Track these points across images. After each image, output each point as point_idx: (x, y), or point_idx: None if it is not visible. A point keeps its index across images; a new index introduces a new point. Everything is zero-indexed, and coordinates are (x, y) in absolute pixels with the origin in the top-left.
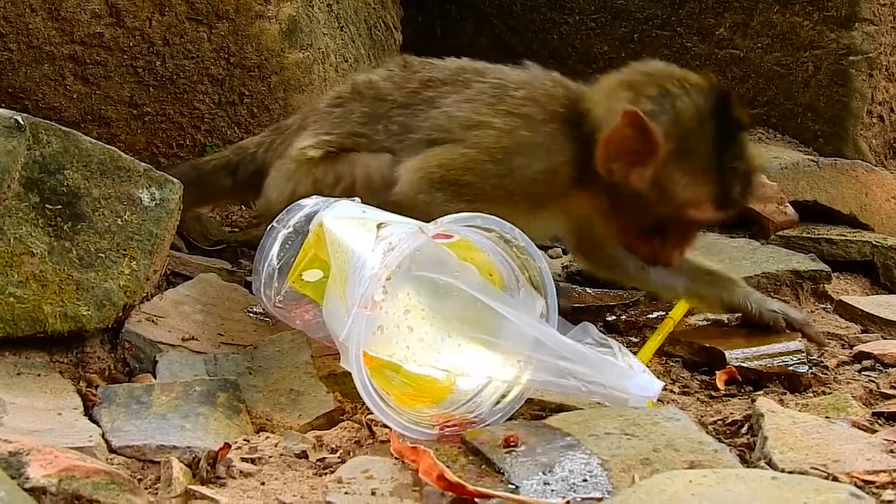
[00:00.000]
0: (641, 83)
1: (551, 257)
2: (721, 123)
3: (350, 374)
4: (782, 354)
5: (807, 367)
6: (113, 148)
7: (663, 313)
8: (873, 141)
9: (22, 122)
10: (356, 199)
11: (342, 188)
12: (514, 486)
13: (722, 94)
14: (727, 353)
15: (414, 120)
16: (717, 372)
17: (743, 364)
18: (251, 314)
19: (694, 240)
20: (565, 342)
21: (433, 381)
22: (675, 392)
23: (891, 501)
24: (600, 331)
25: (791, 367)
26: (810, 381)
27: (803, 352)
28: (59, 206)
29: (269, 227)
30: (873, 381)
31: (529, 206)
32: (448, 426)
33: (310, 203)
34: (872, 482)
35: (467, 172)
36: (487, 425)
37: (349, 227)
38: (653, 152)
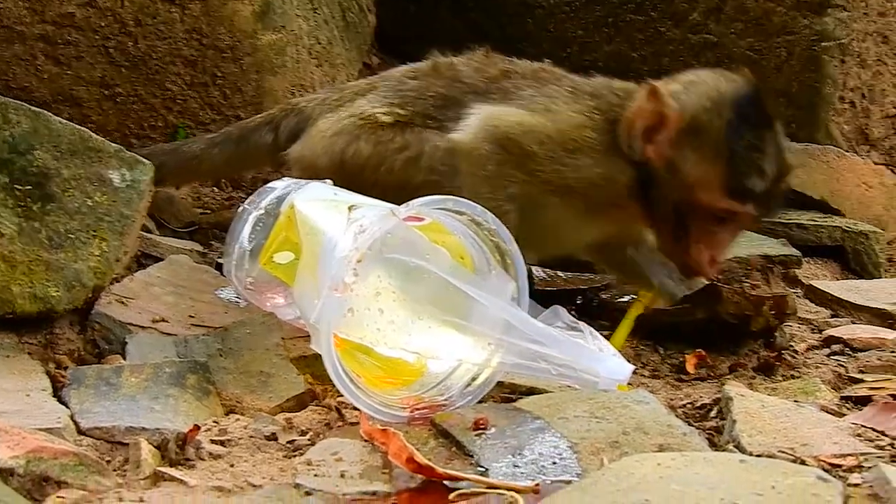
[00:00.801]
0: (682, 75)
1: None
2: (743, 113)
3: (320, 356)
4: None
5: None
6: (84, 128)
7: (634, 296)
8: (845, 127)
9: None
10: (328, 180)
11: (406, 157)
12: (483, 469)
13: (752, 87)
14: None
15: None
16: (687, 355)
17: None
18: (222, 296)
19: (721, 242)
20: (536, 325)
21: (404, 364)
22: (645, 375)
23: (857, 485)
24: (571, 314)
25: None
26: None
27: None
28: (29, 187)
29: (241, 208)
30: (842, 366)
31: (584, 209)
32: (418, 409)
33: (281, 185)
34: (840, 466)
35: (538, 143)
36: (457, 408)
37: (321, 209)
38: (664, 125)
